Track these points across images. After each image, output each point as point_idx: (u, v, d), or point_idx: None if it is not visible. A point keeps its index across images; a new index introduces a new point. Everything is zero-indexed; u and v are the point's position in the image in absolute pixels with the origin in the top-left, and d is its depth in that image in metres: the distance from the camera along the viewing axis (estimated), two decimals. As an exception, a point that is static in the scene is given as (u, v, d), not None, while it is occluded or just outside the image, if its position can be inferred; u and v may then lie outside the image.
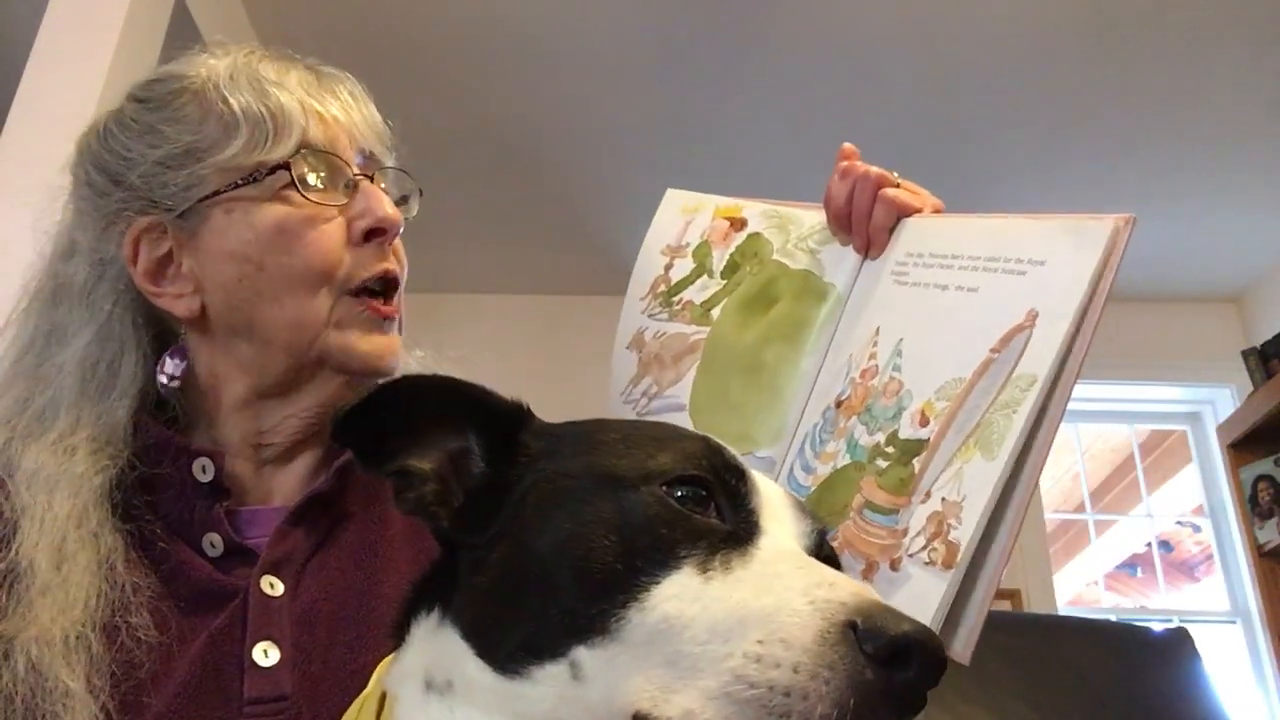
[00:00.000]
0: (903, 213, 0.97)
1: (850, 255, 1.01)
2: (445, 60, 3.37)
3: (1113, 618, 5.02)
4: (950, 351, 0.83)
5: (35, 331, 0.98)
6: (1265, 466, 3.85)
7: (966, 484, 0.76)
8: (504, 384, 0.70)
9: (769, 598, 0.51)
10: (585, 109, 3.62)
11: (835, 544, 0.81)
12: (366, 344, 0.98)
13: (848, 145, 1.03)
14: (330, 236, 0.96)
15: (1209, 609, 4.59)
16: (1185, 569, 5.53)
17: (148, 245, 0.96)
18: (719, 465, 0.61)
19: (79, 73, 2.39)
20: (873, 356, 0.90)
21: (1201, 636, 1.62)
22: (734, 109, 3.60)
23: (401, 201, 1.07)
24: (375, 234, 0.98)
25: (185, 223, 0.95)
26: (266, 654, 0.85)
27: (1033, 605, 3.93)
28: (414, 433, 0.66)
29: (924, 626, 0.49)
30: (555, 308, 4.63)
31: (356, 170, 1.00)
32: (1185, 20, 3.14)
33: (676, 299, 1.10)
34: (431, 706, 0.60)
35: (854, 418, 0.88)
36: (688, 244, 1.12)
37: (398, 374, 0.99)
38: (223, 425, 0.98)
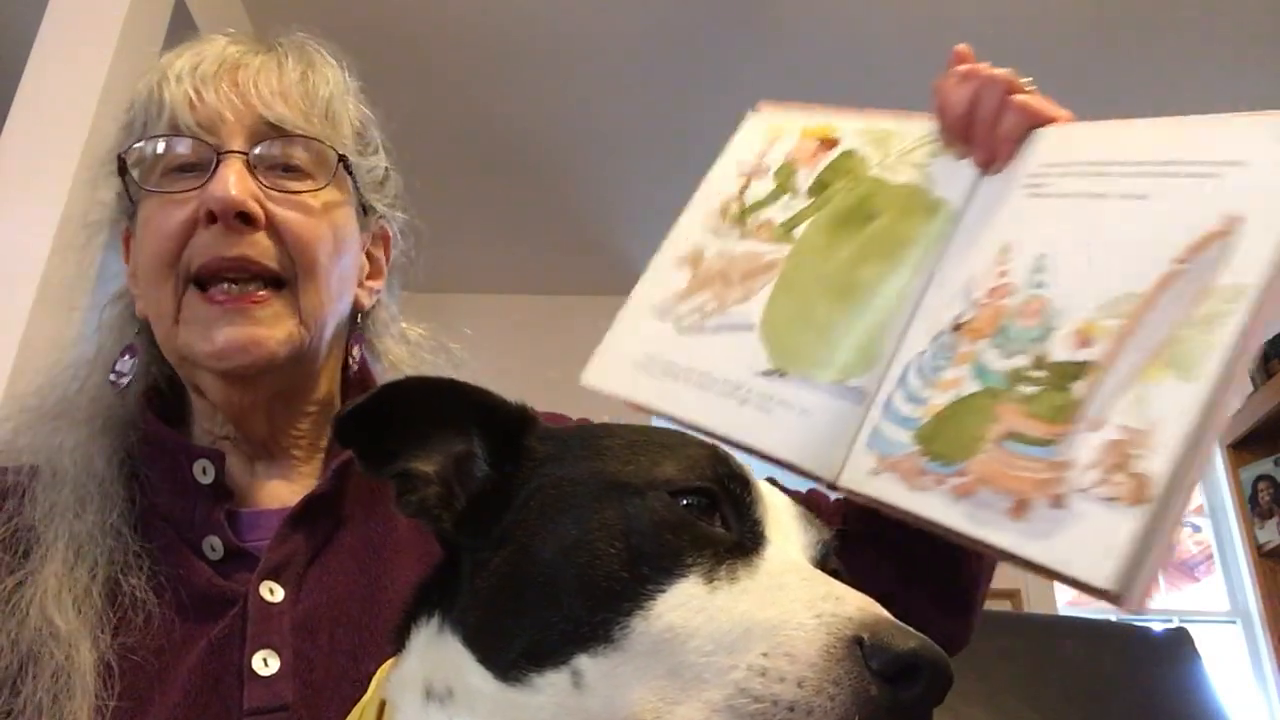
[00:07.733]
0: (1036, 121, 0.85)
1: (965, 169, 0.88)
2: (445, 60, 3.37)
3: (1112, 618, 5.01)
4: (1116, 264, 0.74)
5: (101, 327, 1.03)
6: (1265, 466, 3.86)
7: (1156, 409, 0.66)
8: (503, 384, 0.69)
9: (774, 610, 0.50)
10: (586, 109, 3.62)
11: (964, 481, 0.71)
12: (206, 344, 0.91)
13: (962, 46, 0.90)
14: (172, 221, 0.92)
15: (1209, 609, 4.58)
16: (1185, 569, 5.53)
17: (128, 246, 1.01)
18: (724, 474, 0.60)
19: (79, 73, 2.39)
20: (1003, 274, 0.80)
21: (1201, 636, 1.63)
22: (735, 109, 3.59)
23: (300, 175, 0.96)
24: (217, 217, 0.91)
25: (132, 223, 0.99)
26: (266, 663, 0.83)
27: (1033, 605, 3.92)
28: (417, 434, 0.66)
29: (931, 643, 0.48)
30: (555, 308, 4.62)
31: (231, 149, 0.92)
32: (1185, 20, 3.14)
33: (752, 218, 0.97)
34: (432, 715, 0.59)
35: (982, 341, 0.79)
36: (768, 166, 1.01)
37: (280, 358, 0.93)
38: (198, 423, 0.99)
